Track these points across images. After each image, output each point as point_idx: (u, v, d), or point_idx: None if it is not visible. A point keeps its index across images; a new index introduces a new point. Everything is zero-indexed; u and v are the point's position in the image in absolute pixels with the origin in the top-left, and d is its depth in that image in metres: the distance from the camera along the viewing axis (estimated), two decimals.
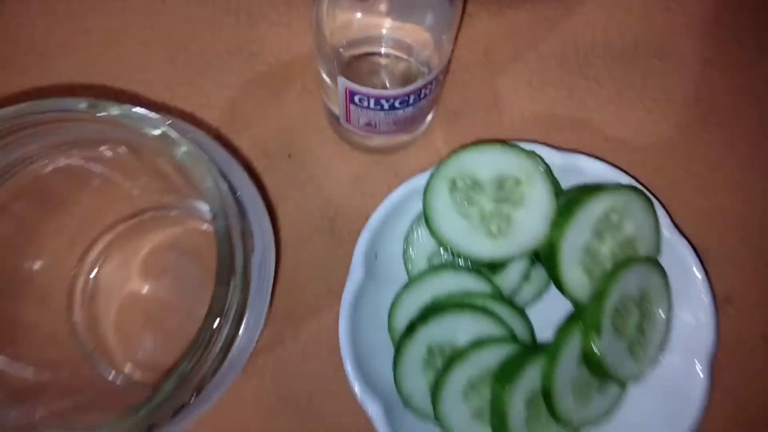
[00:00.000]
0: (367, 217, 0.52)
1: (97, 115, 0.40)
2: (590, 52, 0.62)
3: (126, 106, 0.40)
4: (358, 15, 0.44)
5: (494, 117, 0.60)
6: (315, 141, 0.59)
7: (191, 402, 0.39)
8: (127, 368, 0.52)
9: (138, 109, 0.40)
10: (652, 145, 0.60)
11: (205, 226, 0.54)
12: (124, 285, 0.54)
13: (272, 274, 0.43)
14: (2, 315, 0.45)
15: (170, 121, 0.40)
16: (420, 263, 0.53)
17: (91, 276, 0.54)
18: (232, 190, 0.41)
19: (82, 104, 0.39)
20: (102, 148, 0.44)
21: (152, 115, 0.40)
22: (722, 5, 0.63)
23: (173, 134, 0.40)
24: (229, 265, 0.39)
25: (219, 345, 0.39)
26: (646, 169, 0.57)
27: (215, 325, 0.38)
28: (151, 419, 0.37)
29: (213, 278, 0.50)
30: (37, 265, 0.49)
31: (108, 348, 0.53)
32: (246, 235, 0.40)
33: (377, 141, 0.57)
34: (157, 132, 0.40)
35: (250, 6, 0.62)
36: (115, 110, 0.40)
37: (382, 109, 0.48)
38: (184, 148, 0.40)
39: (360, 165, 0.59)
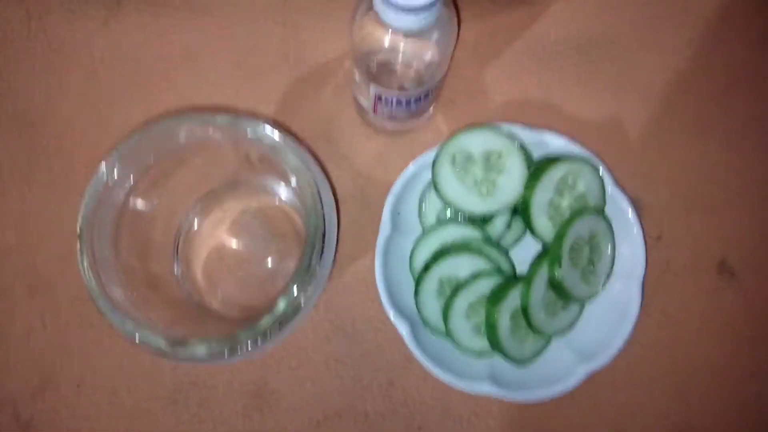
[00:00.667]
0: (388, 185, 0.59)
1: (214, 121, 0.50)
2: (554, 48, 0.68)
3: (233, 115, 0.50)
4: (382, 33, 0.50)
5: (481, 102, 0.66)
6: (347, 127, 0.65)
7: (280, 329, 0.48)
8: (213, 305, 0.61)
9: (243, 117, 0.50)
10: (602, 120, 0.66)
11: (276, 201, 0.63)
12: (210, 240, 0.63)
13: (336, 230, 0.52)
14: (144, 270, 0.55)
15: (264, 124, 0.50)
16: (431, 218, 0.60)
17: (194, 227, 0.62)
18: (309, 169, 0.50)
19: (207, 115, 0.50)
20: (214, 139, 0.53)
21: (253, 119, 0.50)
22: (657, 4, 0.69)
23: (269, 132, 0.50)
24: (314, 226, 0.48)
25: (306, 286, 0.48)
26: (598, 139, 0.64)
27: (307, 273, 0.48)
28: (248, 341, 0.47)
29: (278, 239, 0.61)
30: (159, 211, 0.58)
31: (199, 290, 0.62)
32: (321, 202, 0.49)
33: (395, 126, 0.64)
34: (257, 131, 0.50)
35: (294, 20, 0.68)
36: (226, 118, 0.50)
37: (401, 105, 0.57)
38: (279, 142, 0.50)
39: (382, 145, 0.65)
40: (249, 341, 0.47)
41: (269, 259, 0.63)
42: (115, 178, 0.50)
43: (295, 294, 0.48)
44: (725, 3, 0.70)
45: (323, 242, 0.49)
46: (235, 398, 0.61)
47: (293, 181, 0.50)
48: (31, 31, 0.68)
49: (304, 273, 0.48)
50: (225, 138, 0.53)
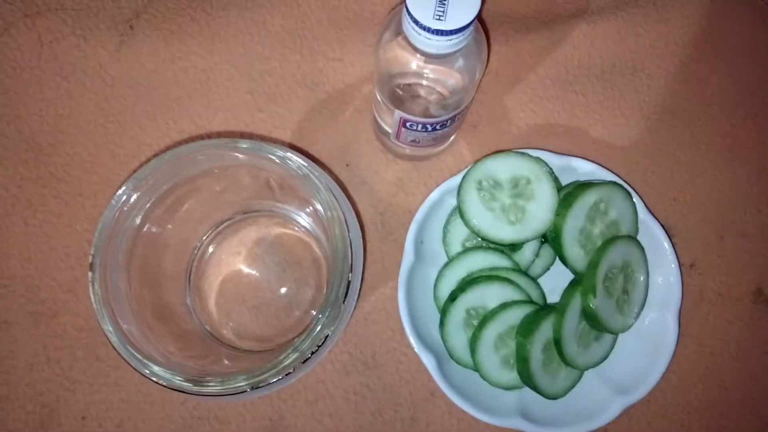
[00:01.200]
0: (410, 212, 0.56)
1: (237, 146, 0.46)
2: (578, 73, 0.65)
3: (257, 140, 0.46)
4: (410, 57, 0.47)
5: (504, 127, 0.63)
6: (366, 152, 0.62)
7: (304, 364, 0.44)
8: (226, 336, 0.57)
9: (266, 142, 0.46)
10: (629, 145, 0.63)
11: (295, 228, 0.59)
12: (224, 268, 0.59)
13: (362, 261, 0.48)
14: (155, 300, 0.51)
15: (289, 150, 0.46)
16: (456, 246, 0.57)
17: (207, 255, 0.59)
18: (336, 197, 0.46)
19: (226, 141, 0.46)
20: (234, 165, 0.50)
21: (277, 145, 0.46)
22: (679, 30, 0.67)
23: (295, 158, 0.46)
24: (342, 257, 0.45)
25: (333, 319, 0.44)
26: (625, 165, 0.62)
27: (333, 306, 0.44)
28: (272, 377, 0.43)
29: (294, 267, 0.57)
30: (172, 238, 0.54)
31: (212, 320, 0.58)
32: (349, 232, 0.46)
33: (417, 152, 0.60)
34: (283, 156, 0.46)
35: (310, 46, 0.65)
36: (249, 143, 0.46)
37: (426, 130, 0.53)
38: (305, 168, 0.46)
39: (402, 170, 0.62)
40: (272, 378, 0.43)
41: (285, 288, 0.59)
42: (131, 204, 0.46)
43: (321, 329, 0.44)
44: (748, 29, 0.67)
45: (351, 273, 0.45)
46: None
47: (319, 209, 0.46)
48: (42, 58, 0.65)
49: (331, 306, 0.44)
50: (247, 163, 0.49)
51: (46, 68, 0.65)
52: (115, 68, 0.65)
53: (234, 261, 0.59)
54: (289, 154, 0.46)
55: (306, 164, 0.46)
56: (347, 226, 0.46)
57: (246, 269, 0.59)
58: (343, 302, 0.44)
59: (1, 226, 0.60)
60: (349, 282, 0.45)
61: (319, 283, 0.58)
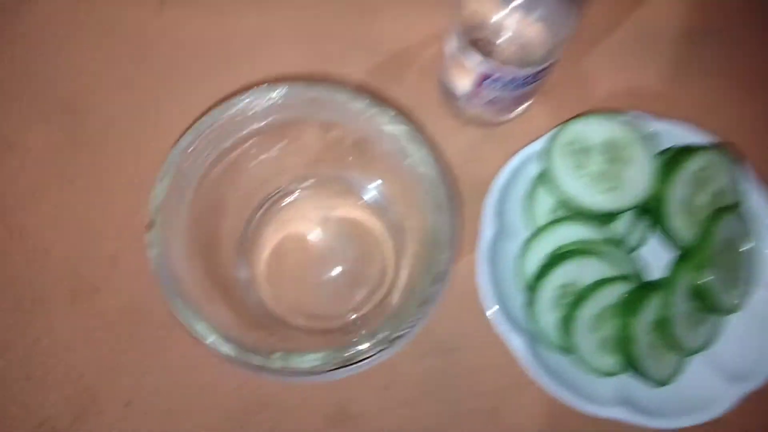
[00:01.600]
0: (483, 182, 0.50)
1: (310, 89, 0.41)
2: (658, 35, 0.60)
3: (332, 85, 0.41)
4: (491, 7, 0.43)
5: (582, 92, 0.57)
6: (432, 117, 0.56)
7: (392, 341, 0.40)
8: (285, 315, 0.51)
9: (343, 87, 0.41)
10: (721, 108, 0.57)
11: (360, 202, 0.53)
12: (281, 241, 0.53)
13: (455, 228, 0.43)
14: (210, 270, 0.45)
15: (368, 100, 0.40)
16: (541, 217, 0.51)
17: (265, 226, 0.53)
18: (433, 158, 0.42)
19: (297, 85, 0.41)
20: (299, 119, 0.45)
21: (357, 93, 0.41)
22: None
23: (381, 107, 0.41)
24: (446, 226, 0.40)
25: (432, 297, 0.40)
26: (725, 131, 0.54)
27: (434, 284, 0.40)
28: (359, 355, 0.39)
29: (358, 241, 0.52)
30: (228, 204, 0.49)
31: (270, 297, 0.51)
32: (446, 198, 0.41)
33: (491, 115, 0.55)
34: (371, 105, 0.41)
35: (371, 3, 0.59)
36: (323, 88, 0.41)
37: (507, 88, 0.48)
38: (393, 119, 0.41)
39: (473, 137, 0.56)
40: (358, 357, 0.39)
41: (348, 265, 0.52)
42: (193, 158, 0.42)
43: (418, 305, 0.40)
44: None
45: (449, 242, 0.40)
46: (313, 422, 0.50)
47: (405, 169, 0.41)
48: (79, 15, 0.59)
49: (432, 284, 0.39)
50: (318, 117, 0.44)
51: (83, 26, 0.59)
52: (156, 26, 0.59)
53: (292, 233, 0.53)
54: (374, 103, 0.40)
55: (396, 113, 0.40)
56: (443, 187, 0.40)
57: (305, 243, 0.53)
58: (444, 280, 0.40)
59: (34, 195, 0.54)
60: (446, 256, 0.40)
61: (384, 259, 0.52)
